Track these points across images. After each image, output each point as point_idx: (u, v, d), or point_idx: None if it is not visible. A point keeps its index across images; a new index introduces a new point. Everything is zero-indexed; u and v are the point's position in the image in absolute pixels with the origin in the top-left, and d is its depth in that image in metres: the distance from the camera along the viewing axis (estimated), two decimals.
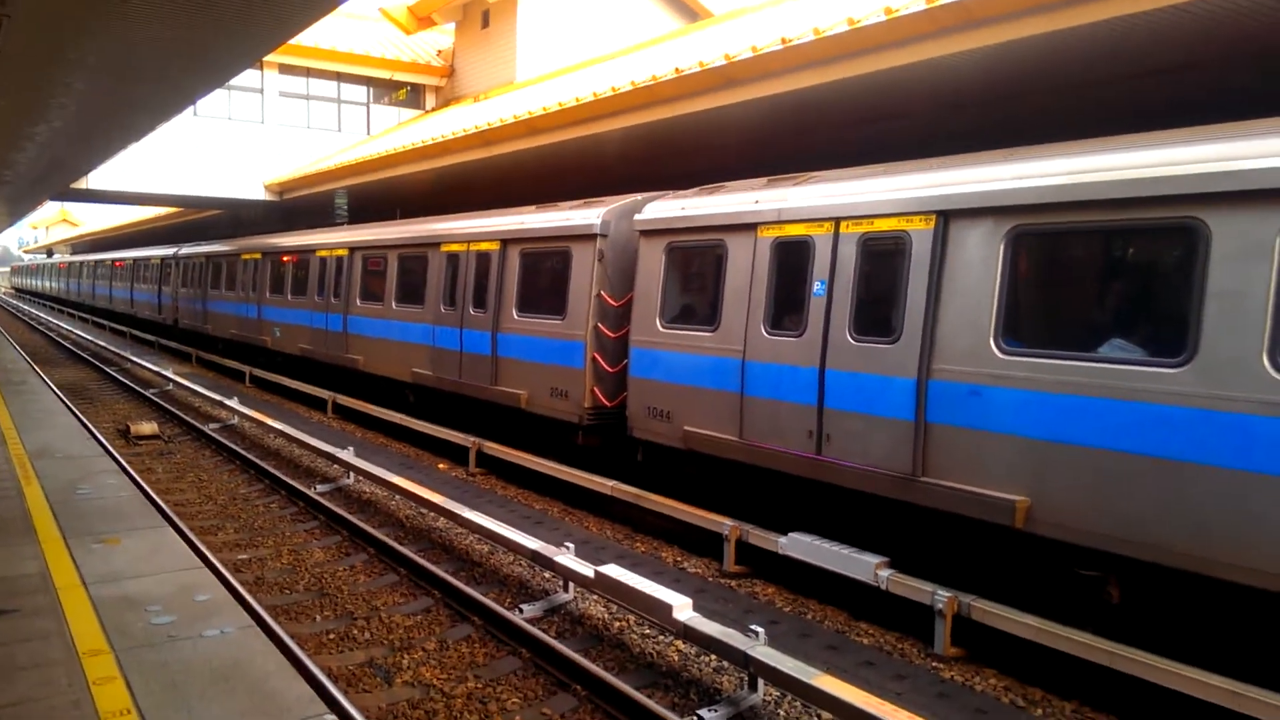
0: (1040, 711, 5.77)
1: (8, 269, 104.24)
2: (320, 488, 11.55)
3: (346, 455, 11.61)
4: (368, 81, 26.43)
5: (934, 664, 6.51)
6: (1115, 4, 6.16)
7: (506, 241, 12.19)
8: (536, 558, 7.73)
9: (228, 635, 5.13)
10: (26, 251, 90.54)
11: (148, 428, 15.08)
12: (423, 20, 25.58)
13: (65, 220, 68.88)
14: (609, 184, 13.46)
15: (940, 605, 6.56)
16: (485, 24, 25.06)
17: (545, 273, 11.76)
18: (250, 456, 13.11)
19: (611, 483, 10.14)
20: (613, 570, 6.85)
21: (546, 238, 11.48)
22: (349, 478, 11.92)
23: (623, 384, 10.12)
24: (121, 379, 21.82)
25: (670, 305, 9.45)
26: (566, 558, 7.45)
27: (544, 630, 6.97)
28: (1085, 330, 6.14)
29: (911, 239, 6.87)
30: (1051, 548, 6.10)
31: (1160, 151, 5.62)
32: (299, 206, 25.38)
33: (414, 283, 14.55)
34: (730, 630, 5.89)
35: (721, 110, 10.34)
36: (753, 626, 5.82)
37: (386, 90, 26.84)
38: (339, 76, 25.97)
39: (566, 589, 7.78)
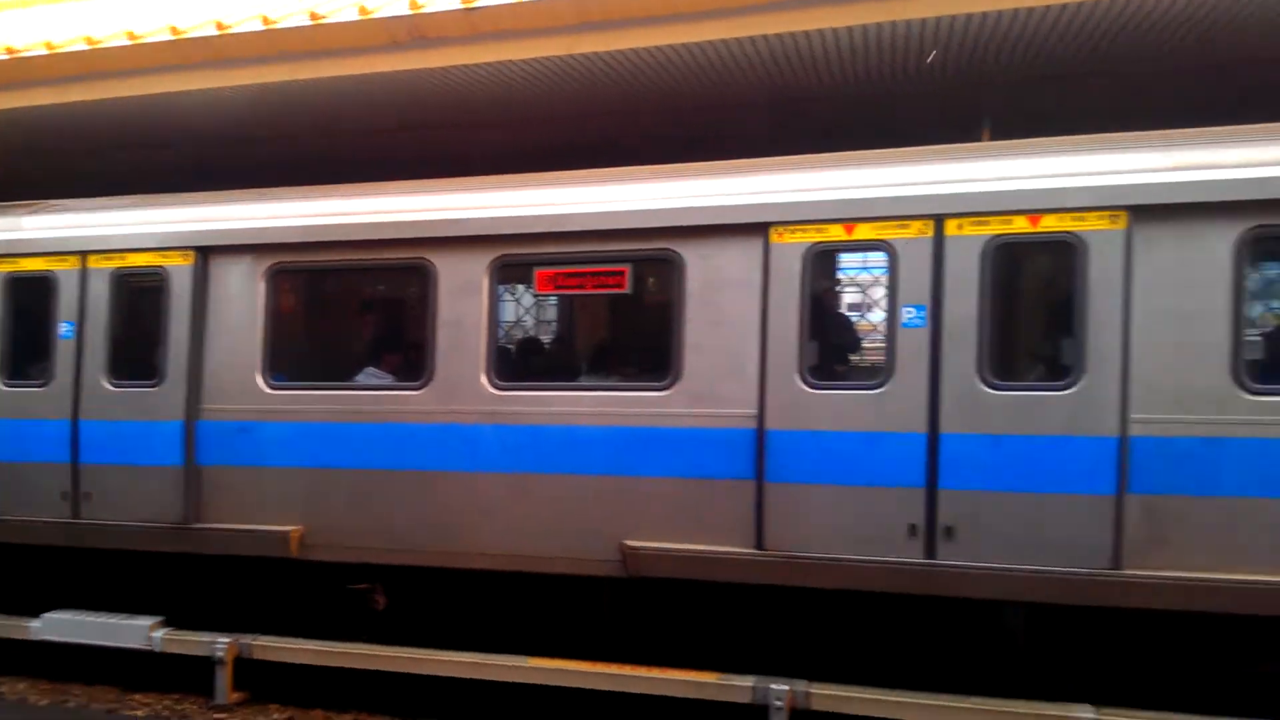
0: None
1: None
2: None
3: None
4: None
5: (216, 716, 6.24)
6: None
7: None
8: None
9: None
10: None
11: None
12: None
13: None
14: None
15: (220, 653, 6.33)
16: None
17: None
18: None
19: None
20: None
21: None
22: None
23: None
24: None
25: None
26: None
27: None
28: (342, 360, 6.60)
29: (171, 275, 6.57)
30: (329, 570, 6.35)
31: (399, 199, 6.38)
32: None
33: None
34: None
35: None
36: None
37: None
38: None
39: None
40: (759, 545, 5.32)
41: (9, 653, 6.97)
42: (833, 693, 5.15)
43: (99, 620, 6.66)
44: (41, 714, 6.36)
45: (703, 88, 7.08)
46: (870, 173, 5.44)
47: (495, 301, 6.09)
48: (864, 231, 5.31)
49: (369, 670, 6.08)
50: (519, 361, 7.32)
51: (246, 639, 6.36)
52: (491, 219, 6.00)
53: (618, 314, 7.04)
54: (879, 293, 5.78)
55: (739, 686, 5.26)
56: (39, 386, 6.84)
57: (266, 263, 6.43)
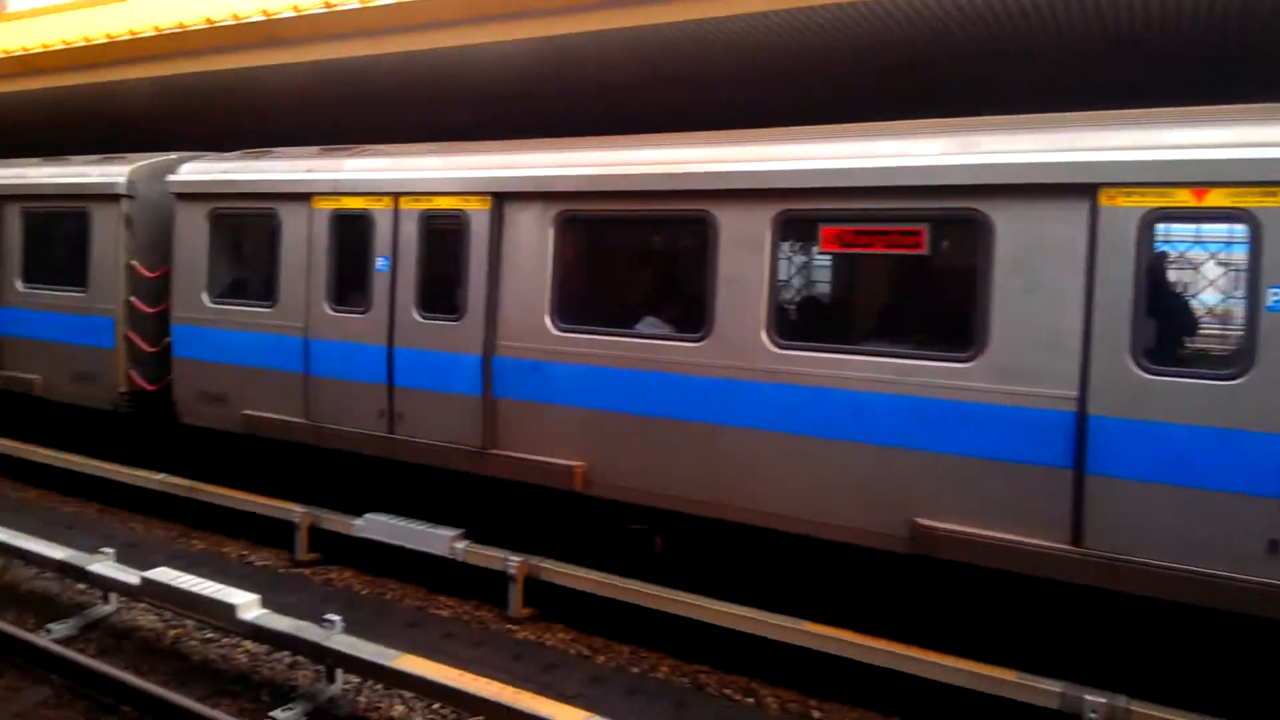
0: (602, 659, 6.36)
1: None
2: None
3: None
4: None
5: (509, 626, 6.85)
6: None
7: (3, 198, 10.13)
8: (65, 569, 6.73)
9: None
10: None
11: None
12: None
13: None
14: (135, 144, 11.72)
15: (512, 570, 6.89)
16: None
17: (59, 238, 10.01)
18: None
19: (159, 476, 9.10)
20: (162, 574, 6.21)
21: (59, 196, 9.75)
22: None
23: (166, 365, 9.04)
24: None
25: (219, 279, 8.59)
26: (104, 565, 6.59)
27: (80, 651, 6.10)
28: (625, 307, 6.73)
29: (470, 218, 6.95)
30: (610, 508, 6.67)
31: (683, 151, 6.29)
32: None
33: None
34: (304, 623, 5.66)
35: (263, 70, 9.46)
36: (328, 616, 5.64)
37: None
38: None
39: (107, 600, 6.87)
40: (1075, 541, 4.88)
41: (337, 545, 8.02)
42: (1159, 715, 4.65)
43: (409, 525, 7.46)
44: (366, 602, 7.27)
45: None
46: (1229, 131, 4.63)
47: (776, 257, 5.92)
48: (1218, 198, 4.57)
49: (644, 608, 6.39)
50: (802, 320, 7.17)
51: (535, 560, 6.88)
52: (775, 172, 5.79)
53: (911, 276, 6.64)
54: (1234, 270, 4.99)
55: (1046, 690, 4.94)
56: (360, 313, 7.56)
57: (555, 210, 6.62)
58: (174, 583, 6.07)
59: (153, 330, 9.18)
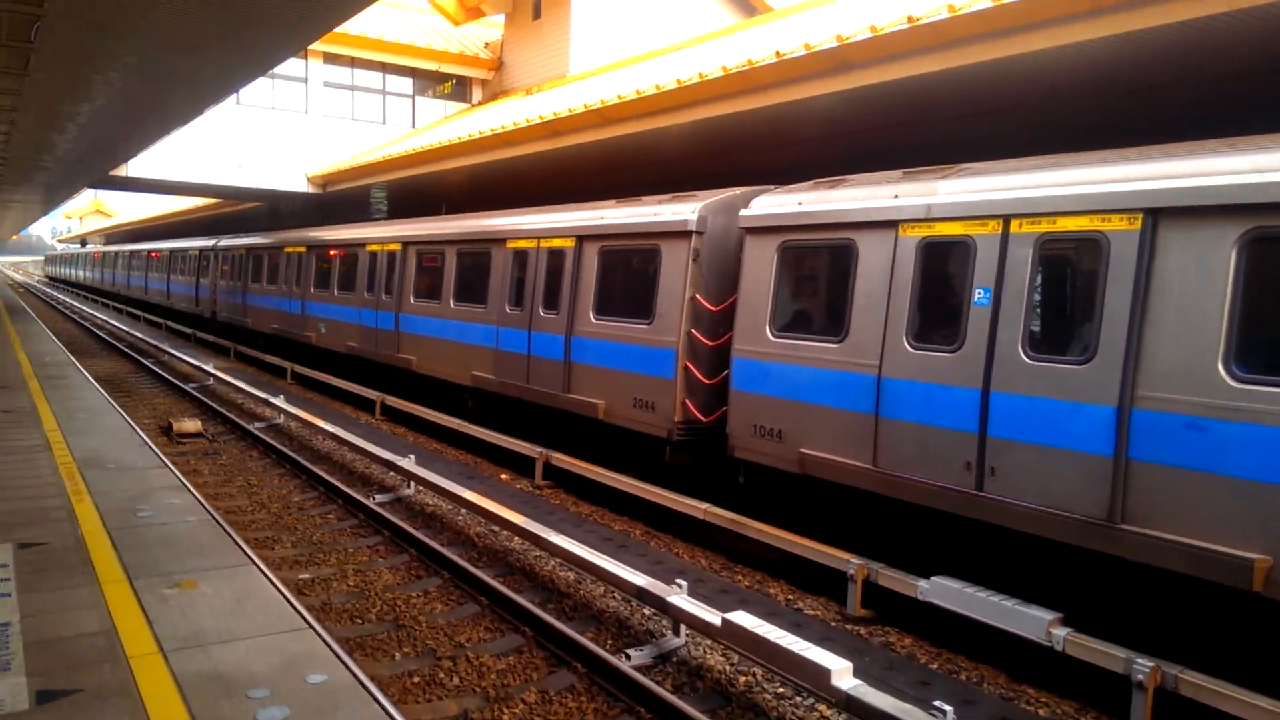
0: None
1: (42, 258, 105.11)
2: (379, 498, 10.66)
3: (407, 464, 10.73)
4: (412, 73, 25.63)
5: None
6: None
7: (583, 238, 11.24)
8: (643, 596, 6.78)
9: None
10: (60, 241, 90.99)
11: (191, 425, 14.30)
12: (471, 11, 24.77)
13: (99, 211, 68.78)
14: (672, 181, 12.56)
15: (1140, 677, 5.53)
16: (537, 15, 24.17)
17: (628, 273, 10.81)
18: (300, 460, 12.28)
19: (704, 506, 9.17)
20: (744, 619, 5.89)
21: (631, 234, 10.53)
22: (409, 487, 11.03)
23: (720, 397, 9.15)
24: (159, 371, 21.12)
25: (783, 312, 8.46)
26: (681, 599, 6.49)
27: (657, 681, 6.03)
28: None
29: (1110, 241, 5.83)
30: None
31: None
32: (338, 201, 24.61)
33: (475, 281, 13.64)
34: (908, 707, 4.89)
35: (816, 100, 9.39)
36: (938, 704, 4.83)
37: (432, 82, 26.02)
38: (384, 67, 25.18)
39: (677, 632, 6.81)
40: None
41: (893, 604, 7.28)
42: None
43: (992, 599, 6.44)
44: (937, 679, 6.39)
45: None
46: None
47: None
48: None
49: None
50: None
51: (1172, 668, 5.45)
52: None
53: None
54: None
55: None
56: (949, 351, 6.81)
57: (1243, 228, 5.24)
58: (757, 630, 5.72)
59: (710, 363, 9.38)
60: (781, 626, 5.83)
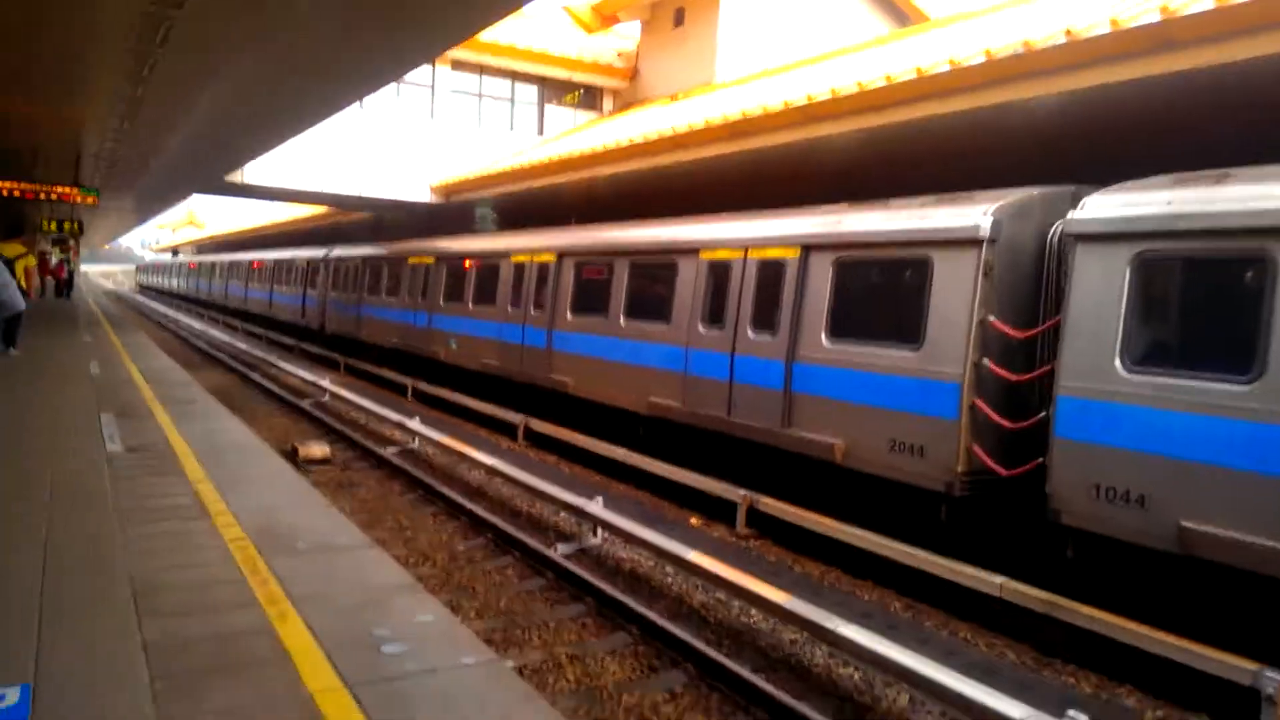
0: None
1: (133, 267, 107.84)
2: (562, 548, 8.97)
3: (595, 508, 9.05)
4: (540, 81, 24.48)
5: None
6: None
7: (811, 247, 9.51)
8: None
9: None
10: (155, 250, 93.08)
11: (318, 450, 12.89)
12: (606, 19, 23.61)
13: (192, 223, 69.73)
14: (820, 193, 10.88)
15: None
16: (679, 23, 22.85)
17: (880, 289, 9.08)
18: (453, 495, 10.69)
19: (1000, 579, 7.30)
20: None
21: (884, 243, 8.79)
22: (595, 536, 9.34)
23: (1028, 445, 7.29)
24: (269, 386, 19.95)
25: (1142, 340, 6.61)
26: None
27: None
28: None
29: None
30: None
31: None
32: (453, 213, 23.42)
33: (654, 296, 12.02)
34: None
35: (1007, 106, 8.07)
36: None
37: (559, 91, 24.82)
38: (513, 75, 24.07)
39: None
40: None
41: None
42: None
43: None
44: None
45: None
46: None
47: None
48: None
49: None
50: None
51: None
52: None
53: None
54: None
55: None
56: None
57: None
58: None
59: (1012, 401, 7.54)
60: None
